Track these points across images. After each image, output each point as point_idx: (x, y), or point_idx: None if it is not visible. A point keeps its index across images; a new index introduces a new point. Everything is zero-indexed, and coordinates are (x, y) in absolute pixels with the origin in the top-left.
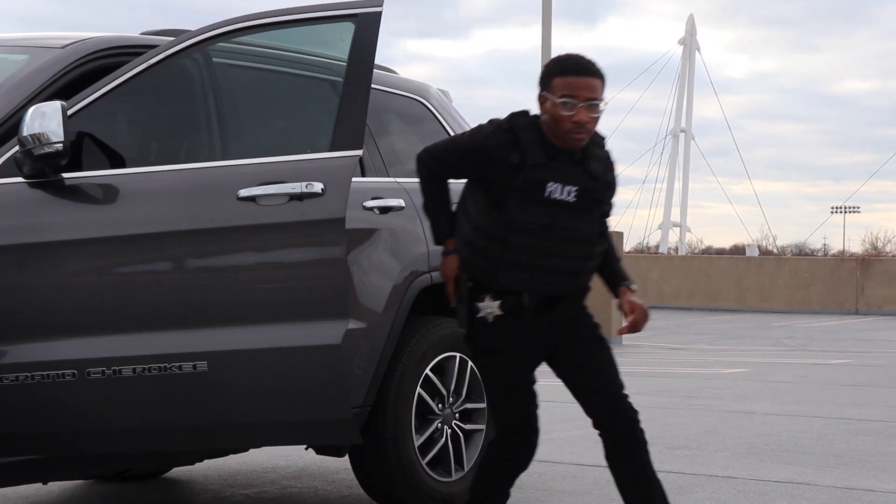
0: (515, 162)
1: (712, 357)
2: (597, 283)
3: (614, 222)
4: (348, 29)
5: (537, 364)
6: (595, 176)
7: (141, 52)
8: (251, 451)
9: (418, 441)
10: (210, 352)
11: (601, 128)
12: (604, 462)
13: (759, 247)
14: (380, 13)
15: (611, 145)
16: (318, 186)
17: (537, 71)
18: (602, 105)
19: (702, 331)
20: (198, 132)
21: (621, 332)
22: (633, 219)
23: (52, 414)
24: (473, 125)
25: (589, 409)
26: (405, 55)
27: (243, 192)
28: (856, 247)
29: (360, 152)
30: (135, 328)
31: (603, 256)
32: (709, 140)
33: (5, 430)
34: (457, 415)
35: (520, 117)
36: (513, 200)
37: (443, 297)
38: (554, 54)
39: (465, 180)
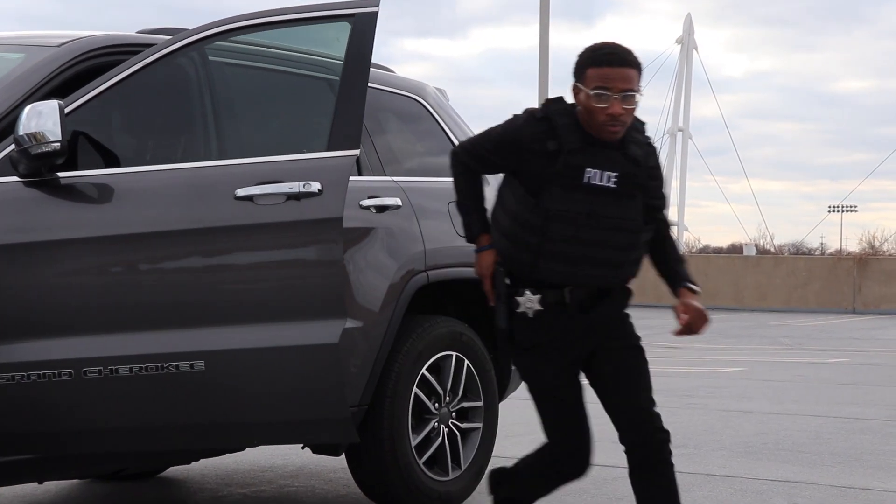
0: (552, 149)
1: (710, 356)
2: None
3: None
4: (345, 29)
5: (577, 367)
6: (636, 160)
7: (137, 50)
8: (248, 450)
9: (415, 440)
10: (208, 351)
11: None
12: (601, 461)
13: (756, 246)
14: (376, 13)
15: None
16: (315, 186)
17: (535, 70)
18: (638, 96)
19: None
20: (194, 131)
21: (676, 333)
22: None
23: (48, 413)
24: (471, 124)
25: (618, 424)
26: (403, 54)
27: (241, 192)
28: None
29: (357, 152)
30: (132, 328)
31: (663, 255)
32: (706, 139)
33: (1, 429)
34: (453, 414)
35: (555, 103)
36: (551, 188)
37: (439, 295)
38: (552, 53)
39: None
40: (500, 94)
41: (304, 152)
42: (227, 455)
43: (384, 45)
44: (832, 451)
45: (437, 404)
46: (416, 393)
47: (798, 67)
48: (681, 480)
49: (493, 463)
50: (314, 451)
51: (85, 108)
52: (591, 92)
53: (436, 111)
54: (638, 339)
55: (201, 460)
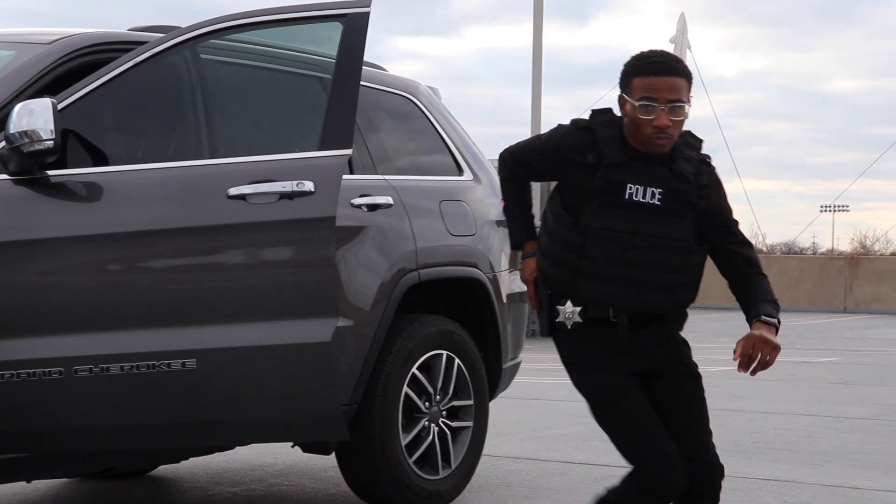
0: (591, 162)
1: (701, 355)
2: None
3: None
4: (336, 29)
5: (633, 377)
6: (684, 176)
7: (129, 48)
8: (238, 448)
9: (405, 439)
10: (199, 349)
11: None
12: (592, 460)
13: None
14: (368, 13)
15: None
16: (308, 185)
17: (529, 69)
18: (687, 107)
19: (691, 329)
20: (185, 130)
21: (739, 369)
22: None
23: (37, 412)
24: (464, 123)
25: None
26: (397, 52)
27: (233, 191)
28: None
29: (350, 152)
30: (123, 326)
31: (745, 296)
32: None
33: None
34: (444, 412)
35: (600, 114)
36: (590, 204)
37: (430, 294)
38: (545, 53)
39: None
40: (493, 93)
41: (296, 151)
42: (217, 454)
43: (378, 44)
44: (822, 449)
45: (427, 403)
46: (406, 392)
47: (791, 67)
48: None
49: (483, 462)
50: (304, 450)
51: (75, 105)
52: (637, 103)
53: (428, 110)
54: (695, 366)
55: (191, 459)
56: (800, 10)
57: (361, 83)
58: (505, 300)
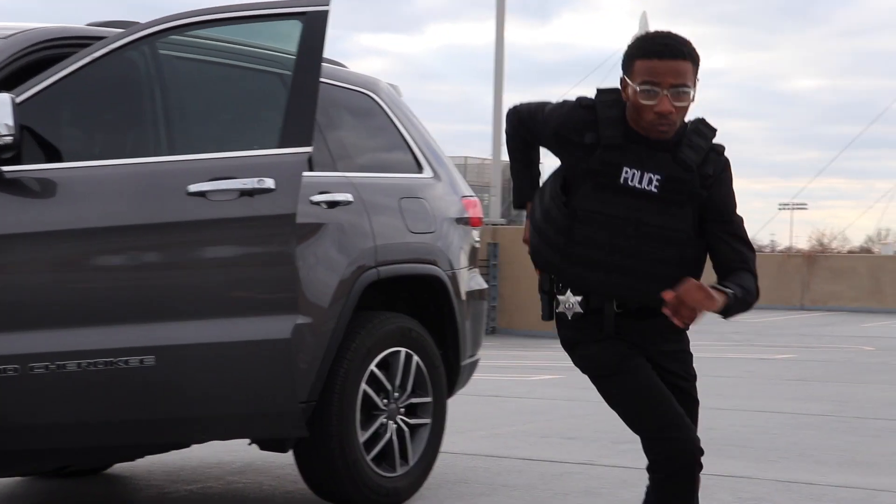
0: (589, 142)
1: None
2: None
3: None
4: (296, 27)
5: (636, 352)
6: (686, 164)
7: (87, 43)
8: (195, 446)
9: (363, 437)
10: (158, 346)
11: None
12: (550, 457)
13: None
14: (327, 12)
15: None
16: (269, 182)
17: (491, 66)
18: (693, 92)
19: None
20: (144, 126)
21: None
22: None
23: None
24: (426, 120)
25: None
26: (360, 49)
27: (193, 188)
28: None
29: (310, 150)
30: (81, 323)
31: (729, 276)
32: None
33: None
34: (402, 410)
35: (605, 93)
36: (583, 186)
37: (389, 291)
38: (508, 50)
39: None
40: (456, 90)
41: (256, 148)
42: (174, 451)
43: (341, 41)
44: (777, 446)
45: (385, 400)
46: (364, 389)
47: (751, 66)
48: (627, 475)
49: (441, 459)
50: (262, 448)
51: (32, 101)
52: (638, 87)
53: (388, 107)
54: (693, 378)
55: (147, 457)
56: (761, 9)
57: (321, 80)
58: (464, 298)
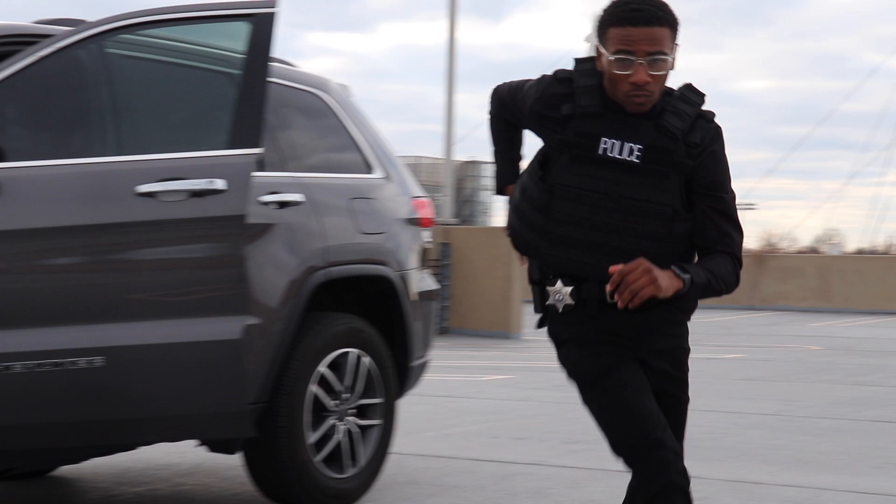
0: (566, 113)
1: None
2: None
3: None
4: (245, 28)
5: (627, 359)
6: (670, 132)
7: (34, 41)
8: (142, 448)
9: (313, 438)
10: (107, 347)
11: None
12: (500, 457)
13: None
14: (274, 14)
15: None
16: (220, 183)
17: (443, 66)
18: (671, 59)
19: None
20: (92, 126)
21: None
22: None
23: None
24: (378, 120)
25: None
26: (311, 48)
27: (143, 188)
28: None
29: (260, 151)
30: (28, 324)
31: (706, 257)
32: None
33: None
34: (352, 411)
35: (582, 62)
36: (559, 159)
37: (339, 292)
38: (460, 49)
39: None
40: (408, 90)
41: (206, 149)
42: (121, 453)
43: (293, 39)
44: (725, 445)
45: (335, 401)
46: (314, 390)
47: (701, 66)
48: (578, 475)
49: (391, 460)
50: (210, 449)
51: None
52: (612, 56)
53: (338, 107)
54: (684, 375)
55: (94, 458)
56: (711, 10)
57: (271, 80)
58: (414, 298)
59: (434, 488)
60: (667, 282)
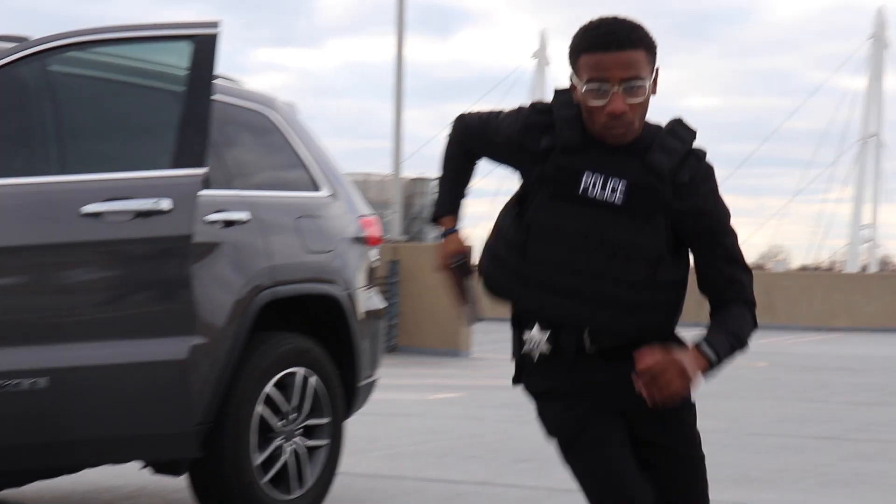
0: (545, 146)
1: None
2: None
3: (465, 236)
4: (187, 49)
5: (606, 413)
6: (656, 169)
7: None
8: (86, 471)
9: (259, 459)
10: (51, 368)
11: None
12: (448, 477)
13: None
14: (216, 35)
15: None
16: (165, 203)
17: (391, 82)
18: (648, 84)
19: None
20: (34, 144)
21: (638, 389)
22: (486, 231)
23: None
24: (326, 137)
25: None
26: (259, 64)
27: (88, 208)
28: None
29: (205, 170)
30: None
31: (714, 322)
32: None
33: None
34: (299, 431)
35: (562, 93)
36: (537, 196)
37: (286, 311)
38: (408, 66)
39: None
40: (356, 106)
41: (151, 168)
42: (64, 476)
43: (240, 55)
44: None
45: (282, 422)
46: (260, 410)
47: None
48: (526, 495)
49: (339, 480)
50: (155, 471)
51: None
52: (585, 87)
53: (284, 125)
54: (697, 443)
55: (36, 482)
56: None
57: (217, 97)
58: (361, 317)
59: None
60: (695, 371)
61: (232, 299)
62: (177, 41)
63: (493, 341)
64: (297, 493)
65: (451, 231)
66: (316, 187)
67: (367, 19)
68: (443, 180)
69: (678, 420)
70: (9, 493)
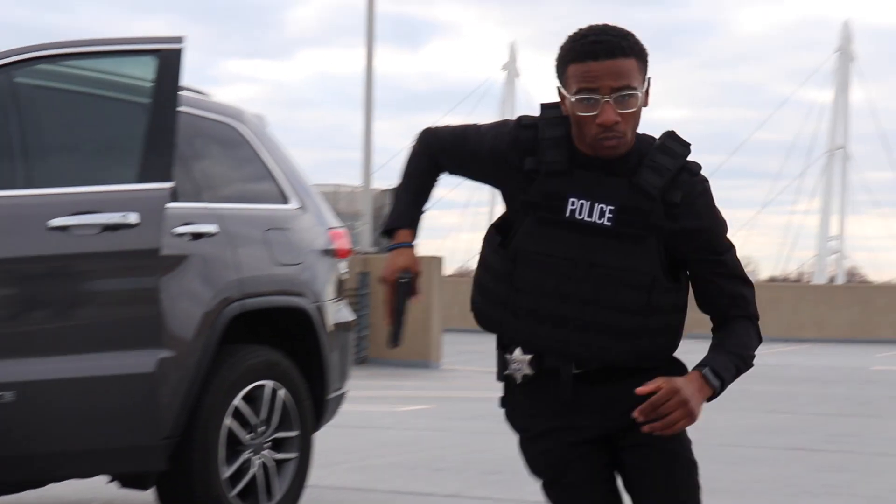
0: (529, 168)
1: None
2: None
3: (435, 247)
4: (152, 63)
5: (593, 448)
6: (645, 190)
7: None
8: (52, 485)
9: (227, 472)
10: (18, 382)
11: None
12: (419, 489)
13: None
14: (180, 50)
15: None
16: (133, 217)
17: (361, 94)
18: (640, 93)
19: None
20: (0, 157)
21: (636, 414)
22: (456, 242)
23: None
24: (296, 148)
25: None
26: (229, 76)
27: (55, 222)
28: None
29: (172, 184)
30: None
31: (717, 339)
32: None
33: None
34: (268, 444)
35: (549, 109)
36: (523, 222)
37: (255, 324)
38: (377, 78)
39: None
40: (326, 117)
41: (117, 182)
42: (30, 490)
43: (210, 66)
44: None
45: (251, 435)
46: (229, 423)
47: None
48: None
49: (308, 493)
50: (122, 485)
51: None
52: (574, 98)
53: (253, 137)
54: (687, 446)
55: (2, 496)
56: None
57: (185, 110)
58: (330, 329)
59: None
60: (700, 401)
61: (200, 312)
62: (142, 56)
63: (462, 352)
64: None
65: (406, 245)
66: (285, 200)
67: (337, 31)
68: (402, 193)
69: (674, 437)
70: None
